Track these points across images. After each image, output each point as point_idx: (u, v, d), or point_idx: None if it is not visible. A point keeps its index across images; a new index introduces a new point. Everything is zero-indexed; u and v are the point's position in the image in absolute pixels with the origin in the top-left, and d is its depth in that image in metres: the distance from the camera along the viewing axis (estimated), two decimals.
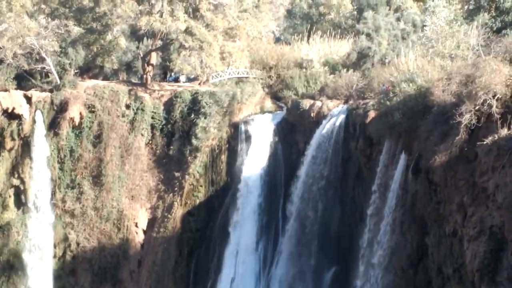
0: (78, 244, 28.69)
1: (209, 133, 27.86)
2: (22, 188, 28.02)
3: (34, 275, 28.32)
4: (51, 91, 29.10)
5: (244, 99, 28.65)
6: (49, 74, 31.09)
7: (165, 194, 28.26)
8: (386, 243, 18.70)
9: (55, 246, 28.66)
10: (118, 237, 28.72)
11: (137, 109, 28.74)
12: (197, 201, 28.46)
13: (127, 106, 28.99)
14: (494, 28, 23.95)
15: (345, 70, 28.14)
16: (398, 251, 17.84)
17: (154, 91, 30.64)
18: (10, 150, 27.68)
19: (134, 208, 28.77)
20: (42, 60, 30.03)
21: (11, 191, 27.98)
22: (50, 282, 28.49)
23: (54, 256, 28.68)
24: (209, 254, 27.74)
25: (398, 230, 18.19)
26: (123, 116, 28.51)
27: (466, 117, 14.14)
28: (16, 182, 28.06)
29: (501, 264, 12.57)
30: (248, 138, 27.82)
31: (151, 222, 28.83)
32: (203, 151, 27.85)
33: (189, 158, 27.85)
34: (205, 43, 27.90)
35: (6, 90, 28.17)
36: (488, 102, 13.83)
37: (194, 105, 28.49)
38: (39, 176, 28.04)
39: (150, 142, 28.79)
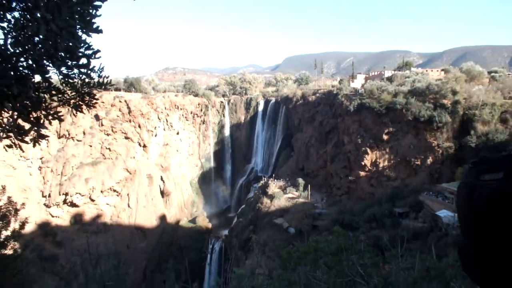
0: None
1: (254, 103, 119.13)
2: (224, 122, 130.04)
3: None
4: (227, 98, 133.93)
5: (259, 98, 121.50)
6: (227, 95, 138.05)
7: (247, 114, 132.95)
8: (281, 124, 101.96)
9: None
10: None
11: (241, 101, 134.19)
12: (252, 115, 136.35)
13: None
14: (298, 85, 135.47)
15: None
16: (282, 128, 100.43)
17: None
18: (218, 112, 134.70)
19: None
20: (225, 91, 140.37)
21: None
22: None
23: None
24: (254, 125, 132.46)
25: (283, 123, 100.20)
26: (241, 102, 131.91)
27: (296, 97, 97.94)
28: (222, 119, 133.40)
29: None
30: (259, 104, 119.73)
31: None
32: (253, 106, 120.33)
33: (251, 107, 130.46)
34: (250, 87, 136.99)
35: (218, 97, 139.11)
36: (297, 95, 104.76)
37: (251, 99, 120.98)
38: (227, 117, 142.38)
39: (245, 105, 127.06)
